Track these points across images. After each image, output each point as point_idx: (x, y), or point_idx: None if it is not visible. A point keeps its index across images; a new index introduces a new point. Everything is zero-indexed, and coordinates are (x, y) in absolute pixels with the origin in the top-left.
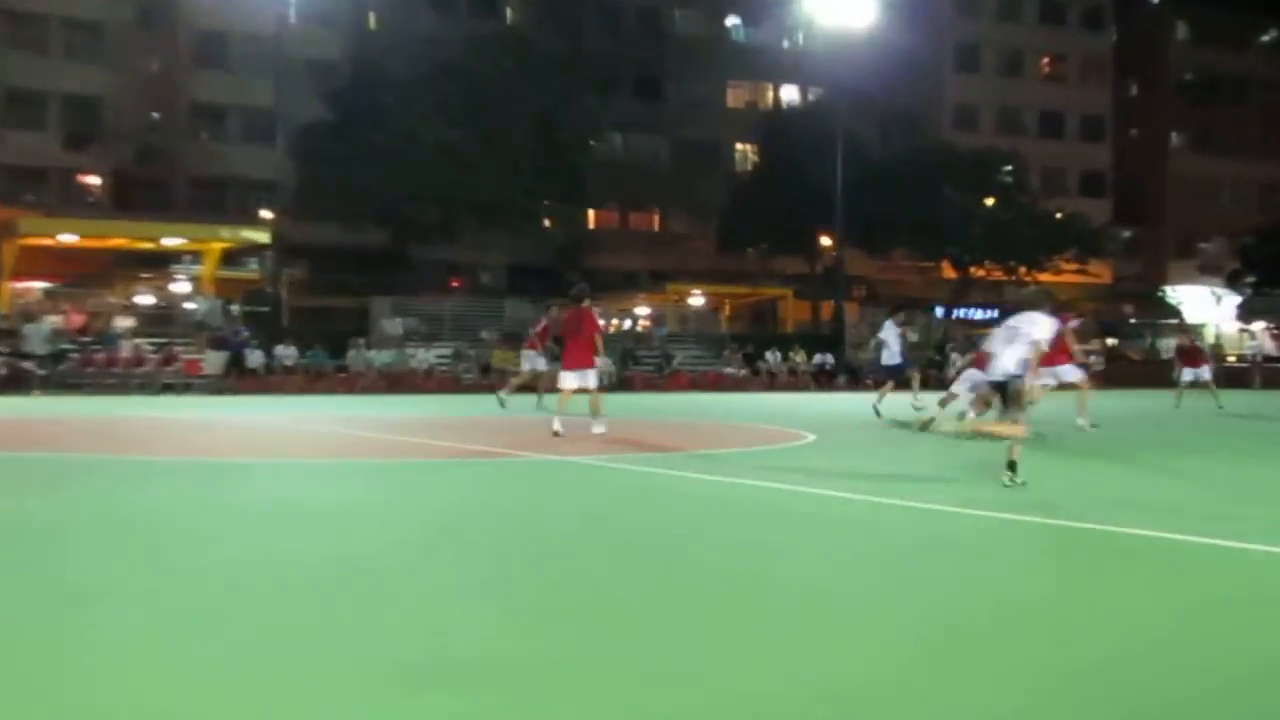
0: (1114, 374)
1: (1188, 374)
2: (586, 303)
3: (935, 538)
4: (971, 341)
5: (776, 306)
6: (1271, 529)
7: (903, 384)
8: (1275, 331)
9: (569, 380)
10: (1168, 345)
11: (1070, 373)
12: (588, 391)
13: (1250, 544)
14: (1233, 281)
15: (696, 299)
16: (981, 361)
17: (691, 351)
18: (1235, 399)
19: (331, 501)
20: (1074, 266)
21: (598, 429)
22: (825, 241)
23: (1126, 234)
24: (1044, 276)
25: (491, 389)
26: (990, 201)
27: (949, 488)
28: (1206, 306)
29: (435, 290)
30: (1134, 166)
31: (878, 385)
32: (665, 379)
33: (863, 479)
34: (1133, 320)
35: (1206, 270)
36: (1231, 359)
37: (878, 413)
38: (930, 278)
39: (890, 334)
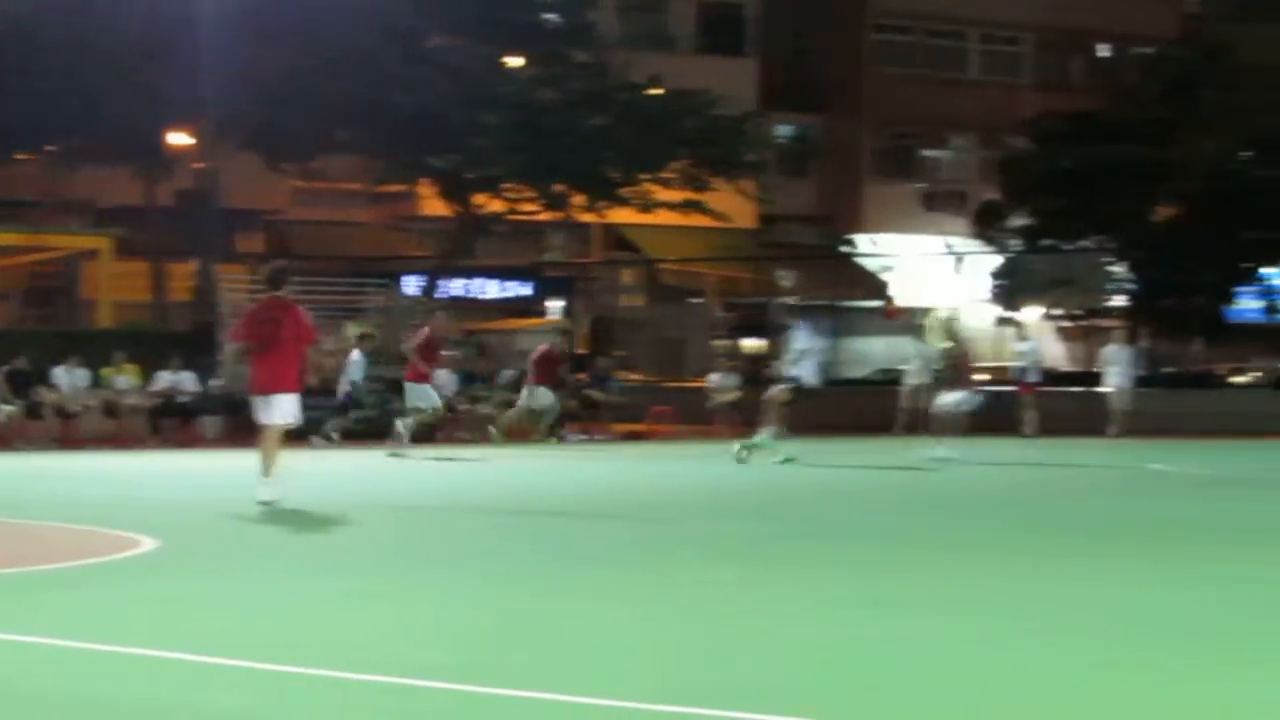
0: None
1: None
2: None
3: None
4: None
5: (79, 272)
6: None
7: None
8: (1069, 326)
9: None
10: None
11: None
12: None
13: None
14: (986, 224)
15: None
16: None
17: None
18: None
19: None
20: (680, 194)
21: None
22: (179, 140)
23: (788, 130)
24: (623, 215)
25: None
26: (517, 62)
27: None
28: (936, 275)
29: None
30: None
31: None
32: None
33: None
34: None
35: (938, 204)
36: (986, 377)
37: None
38: (401, 212)
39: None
